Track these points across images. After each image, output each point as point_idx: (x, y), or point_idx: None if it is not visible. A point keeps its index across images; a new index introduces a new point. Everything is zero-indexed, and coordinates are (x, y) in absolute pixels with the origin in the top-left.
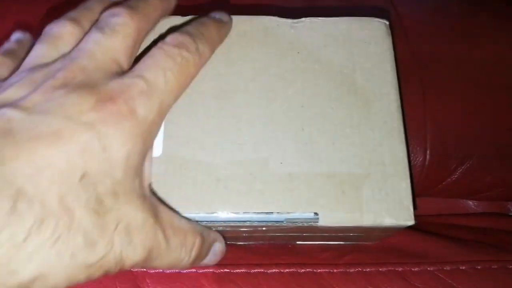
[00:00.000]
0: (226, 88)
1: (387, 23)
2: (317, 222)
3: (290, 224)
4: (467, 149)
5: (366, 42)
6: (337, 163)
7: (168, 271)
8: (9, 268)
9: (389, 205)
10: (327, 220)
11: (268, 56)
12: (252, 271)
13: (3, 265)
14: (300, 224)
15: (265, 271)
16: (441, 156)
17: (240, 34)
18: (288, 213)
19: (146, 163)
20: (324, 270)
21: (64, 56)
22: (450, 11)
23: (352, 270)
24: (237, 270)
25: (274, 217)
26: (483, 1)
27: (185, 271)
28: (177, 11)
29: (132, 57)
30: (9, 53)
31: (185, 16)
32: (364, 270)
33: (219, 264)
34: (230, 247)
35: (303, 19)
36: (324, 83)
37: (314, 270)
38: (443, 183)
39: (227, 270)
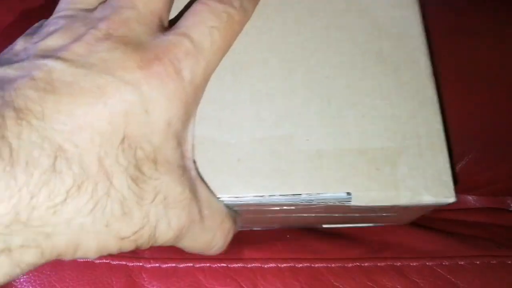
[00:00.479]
0: (242, 61)
1: None
2: (350, 202)
3: (321, 203)
4: (466, 144)
5: (391, 7)
6: (369, 138)
7: (164, 266)
8: (45, 230)
9: (427, 181)
10: (360, 199)
11: (286, 25)
12: (249, 265)
13: (39, 226)
14: (332, 204)
15: (262, 265)
16: None
17: None
18: (318, 194)
19: (189, 132)
20: (322, 264)
21: (102, 4)
22: (452, 6)
23: (350, 265)
24: (234, 265)
25: (303, 198)
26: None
27: (181, 265)
28: None
29: (169, 10)
30: None
31: None
32: (362, 264)
33: (216, 259)
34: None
35: None
36: (349, 52)
37: (312, 265)
38: None
39: (224, 265)
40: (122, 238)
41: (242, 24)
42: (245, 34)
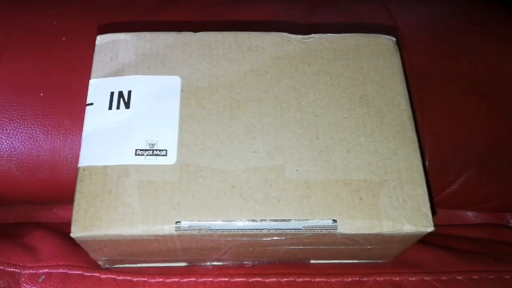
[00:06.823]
0: (239, 99)
1: (394, 39)
2: (336, 229)
3: (308, 232)
4: (465, 160)
5: (375, 57)
6: (353, 171)
7: (168, 281)
8: None
9: (407, 211)
10: (345, 227)
11: (280, 69)
12: (251, 280)
13: None
14: (319, 232)
15: (263, 280)
16: (439, 168)
17: (252, 49)
18: (306, 220)
19: None
20: (321, 279)
21: None
22: (449, 25)
23: (349, 280)
24: (236, 279)
25: (292, 224)
26: (481, 15)
27: (184, 280)
28: (188, 27)
29: None
30: None
31: (197, 32)
32: (362, 279)
33: (218, 274)
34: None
35: (312, 35)
36: (336, 94)
37: (312, 280)
38: (442, 194)
39: (225, 279)
40: None
41: None
42: (244, 76)
